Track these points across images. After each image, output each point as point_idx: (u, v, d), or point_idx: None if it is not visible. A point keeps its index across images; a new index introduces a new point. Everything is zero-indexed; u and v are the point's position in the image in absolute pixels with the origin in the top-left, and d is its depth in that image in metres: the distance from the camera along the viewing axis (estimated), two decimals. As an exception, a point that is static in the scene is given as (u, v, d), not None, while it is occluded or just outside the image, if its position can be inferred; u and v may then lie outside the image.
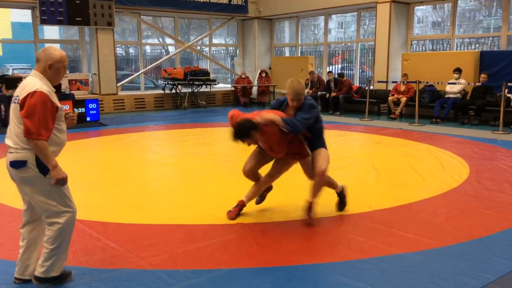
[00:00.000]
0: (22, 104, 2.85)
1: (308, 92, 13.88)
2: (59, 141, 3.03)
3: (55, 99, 2.96)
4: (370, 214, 4.49)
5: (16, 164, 2.90)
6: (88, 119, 11.02)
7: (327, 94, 13.15)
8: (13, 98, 3.01)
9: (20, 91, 2.93)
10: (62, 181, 2.94)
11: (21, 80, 3.26)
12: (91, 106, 11.10)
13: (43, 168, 2.91)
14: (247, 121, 3.95)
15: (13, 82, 11.29)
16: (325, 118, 11.71)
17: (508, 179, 5.63)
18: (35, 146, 2.85)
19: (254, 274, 3.23)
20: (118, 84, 14.02)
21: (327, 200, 4.53)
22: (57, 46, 20.74)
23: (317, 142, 4.26)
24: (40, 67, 3.01)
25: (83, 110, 10.96)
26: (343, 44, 16.46)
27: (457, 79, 10.77)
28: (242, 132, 3.95)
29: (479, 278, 3.12)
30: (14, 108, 2.95)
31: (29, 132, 2.81)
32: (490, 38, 12.48)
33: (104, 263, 3.42)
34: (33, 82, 2.94)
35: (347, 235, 3.95)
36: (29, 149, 2.88)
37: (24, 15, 13.99)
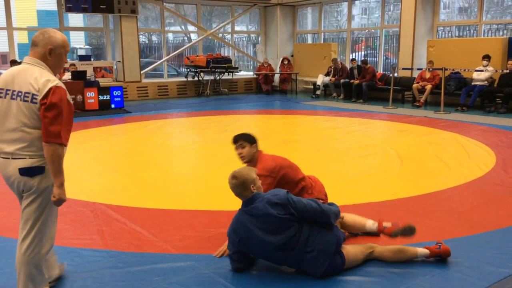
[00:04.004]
0: (45, 101, 2.42)
1: (330, 80, 13.78)
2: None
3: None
4: (393, 202, 4.47)
5: (31, 171, 2.47)
6: (112, 106, 11.17)
7: (351, 81, 13.03)
8: (8, 92, 2.50)
9: (29, 86, 2.46)
10: (61, 203, 2.54)
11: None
12: (115, 93, 11.24)
13: None
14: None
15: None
16: (348, 106, 11.72)
17: (536, 168, 5.52)
18: (54, 152, 2.43)
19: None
20: (141, 72, 14.15)
21: (350, 187, 4.52)
22: (81, 34, 20.89)
23: None
24: (38, 52, 2.53)
25: (108, 97, 11.11)
26: (366, 31, 16.23)
27: (485, 66, 10.53)
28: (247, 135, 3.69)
29: (505, 267, 3.08)
30: (20, 106, 2.46)
31: (51, 134, 2.41)
32: (519, 24, 12.14)
33: (130, 246, 3.50)
34: (45, 75, 2.50)
35: (370, 222, 3.94)
36: None
37: (50, 3, 14.23)
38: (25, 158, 2.47)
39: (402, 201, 4.49)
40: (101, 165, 6.08)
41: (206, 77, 14.74)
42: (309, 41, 16.87)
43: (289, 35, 16.73)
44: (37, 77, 2.47)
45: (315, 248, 2.89)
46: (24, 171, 2.46)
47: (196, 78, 14.76)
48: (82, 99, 11.04)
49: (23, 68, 2.54)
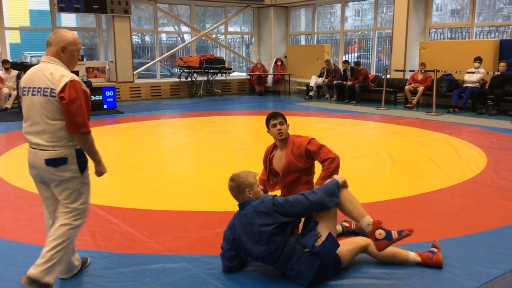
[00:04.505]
0: (63, 95, 2.65)
1: (324, 81, 13.82)
2: None
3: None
4: (385, 203, 4.50)
5: (55, 162, 2.72)
6: (105, 106, 11.13)
7: (343, 83, 13.08)
8: (30, 89, 2.75)
9: (47, 82, 2.69)
10: (102, 175, 2.94)
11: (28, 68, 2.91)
12: (108, 93, 11.21)
13: (82, 165, 2.81)
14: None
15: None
16: (340, 107, 11.76)
17: (527, 170, 5.57)
18: (84, 140, 2.74)
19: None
20: (134, 72, 14.12)
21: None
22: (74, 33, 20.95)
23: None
24: (52, 51, 2.78)
25: (100, 97, 11.07)
26: (359, 32, 16.30)
27: (477, 68, 10.61)
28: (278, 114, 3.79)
29: (495, 267, 3.11)
30: (41, 101, 2.70)
31: (77, 125, 2.67)
32: (510, 27, 12.24)
33: (122, 247, 3.49)
34: (60, 70, 2.73)
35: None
36: (69, 146, 2.74)
37: (42, 3, 14.14)
38: (49, 150, 2.72)
39: (394, 202, 4.52)
40: (93, 165, 6.05)
41: (199, 78, 14.73)
42: (303, 42, 16.91)
43: (283, 36, 16.76)
44: (52, 73, 2.70)
45: (294, 268, 2.89)
46: (49, 162, 2.71)
47: (189, 79, 14.75)
48: (75, 100, 11.00)
49: (40, 66, 2.79)
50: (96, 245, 3.54)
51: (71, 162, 2.76)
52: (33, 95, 2.73)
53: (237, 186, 3.05)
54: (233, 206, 4.33)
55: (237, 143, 7.64)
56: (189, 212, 4.27)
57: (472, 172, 5.52)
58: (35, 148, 2.76)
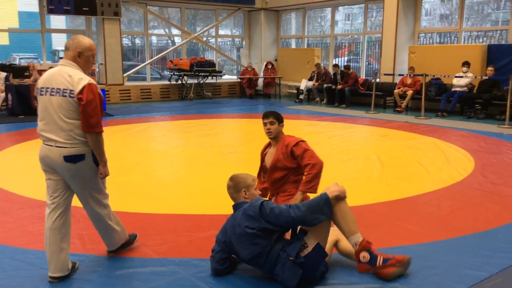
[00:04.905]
0: (81, 97, 2.86)
1: (314, 85, 13.87)
2: None
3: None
4: (373, 206, 4.52)
5: (74, 158, 2.92)
6: (94, 109, 11.06)
7: (333, 86, 13.14)
8: (48, 90, 2.93)
9: (66, 83, 2.89)
10: (105, 177, 3.14)
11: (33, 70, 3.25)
12: (97, 96, 11.14)
13: (97, 160, 3.02)
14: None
15: (20, 71, 11.34)
16: (330, 110, 11.81)
17: (513, 173, 5.63)
18: (96, 140, 2.94)
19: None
20: (124, 75, 14.07)
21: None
22: (63, 36, 20.56)
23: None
24: (70, 55, 3.00)
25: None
26: (349, 36, 16.40)
27: (465, 72, 10.72)
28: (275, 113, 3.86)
29: (482, 270, 3.14)
30: (59, 101, 2.90)
31: (91, 125, 2.89)
32: (498, 32, 12.39)
33: (111, 251, 3.47)
34: (77, 73, 2.95)
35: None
36: (85, 142, 2.94)
37: (31, 4, 14.04)
38: (67, 147, 2.91)
39: (382, 205, 4.55)
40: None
41: (190, 81, 14.72)
42: (293, 46, 16.98)
43: (273, 39, 16.81)
44: (71, 75, 2.92)
45: (279, 274, 2.88)
46: (68, 159, 2.91)
47: (179, 82, 14.72)
48: (64, 102, 10.92)
49: (59, 69, 2.99)
50: (84, 248, 3.52)
51: (88, 158, 2.98)
52: (51, 95, 2.92)
53: (234, 185, 3.10)
54: (222, 209, 4.34)
55: (227, 146, 7.64)
56: (178, 215, 4.26)
57: (460, 176, 5.57)
58: (51, 145, 2.93)
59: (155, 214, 4.30)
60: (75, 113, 2.91)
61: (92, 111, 2.88)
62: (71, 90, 2.89)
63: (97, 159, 3.02)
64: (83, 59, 3.02)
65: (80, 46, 3.00)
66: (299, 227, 3.00)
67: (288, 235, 3.11)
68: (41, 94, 2.97)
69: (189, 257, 3.36)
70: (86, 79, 2.92)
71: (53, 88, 2.92)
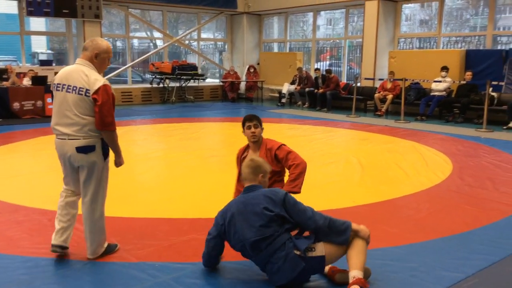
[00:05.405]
0: (96, 98, 3.07)
1: (296, 88, 13.95)
2: None
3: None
4: (353, 209, 4.57)
5: (86, 149, 3.17)
6: (74, 112, 10.93)
7: (315, 90, 13.23)
8: (65, 86, 3.14)
9: (82, 82, 3.09)
10: (120, 165, 3.43)
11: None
12: (77, 99, 11.02)
13: (106, 152, 3.28)
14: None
15: (0, 73, 11.13)
16: (312, 114, 11.88)
17: (490, 176, 5.74)
18: (111, 136, 3.20)
19: (238, 267, 3.26)
20: (105, 78, 13.92)
21: (312, 195, 4.57)
22: (43, 38, 20.36)
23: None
24: (87, 55, 3.20)
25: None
26: (331, 41, 16.53)
27: (444, 77, 10.90)
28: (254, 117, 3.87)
29: (459, 271, 3.19)
30: (74, 98, 3.12)
31: (106, 124, 3.11)
32: (476, 37, 12.62)
33: (90, 255, 3.43)
34: (93, 73, 3.15)
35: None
36: (95, 135, 3.18)
37: (10, 6, 13.82)
38: (79, 139, 3.15)
39: (362, 208, 4.59)
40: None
41: (172, 84, 14.66)
42: (275, 50, 17.04)
43: (255, 43, 16.85)
44: (87, 75, 3.13)
45: (277, 263, 2.88)
46: (80, 149, 3.16)
47: (161, 85, 14.65)
48: (43, 105, 10.80)
49: (75, 67, 3.20)
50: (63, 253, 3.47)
51: (98, 149, 3.22)
52: (67, 92, 3.14)
53: (255, 167, 3.13)
54: (203, 212, 4.34)
55: (208, 149, 7.62)
56: (158, 219, 4.24)
57: (438, 179, 5.65)
58: (65, 139, 3.18)
59: (134, 218, 4.27)
60: (89, 110, 3.13)
61: (107, 112, 3.10)
62: (87, 89, 3.10)
63: (113, 152, 3.31)
64: (99, 60, 3.22)
65: (98, 47, 3.20)
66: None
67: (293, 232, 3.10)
68: (58, 90, 3.19)
69: (169, 261, 3.34)
70: (101, 80, 3.13)
71: (70, 85, 3.13)
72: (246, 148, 4.03)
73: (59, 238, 3.31)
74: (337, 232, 2.92)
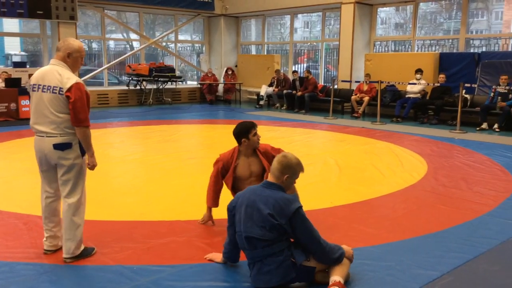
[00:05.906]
0: (69, 95, 3.17)
1: (274, 90, 14.00)
2: None
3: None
4: (331, 209, 4.61)
5: (62, 146, 3.25)
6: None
7: (293, 92, 13.30)
8: (40, 86, 3.23)
9: (56, 81, 3.19)
10: (94, 168, 3.41)
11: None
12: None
13: (82, 149, 3.32)
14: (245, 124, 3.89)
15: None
16: (290, 116, 11.94)
17: (464, 176, 5.87)
18: (84, 133, 3.25)
19: (217, 269, 3.26)
20: (81, 79, 13.72)
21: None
22: (17, 39, 19.96)
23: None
24: (60, 56, 3.31)
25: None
26: (308, 44, 16.66)
27: (418, 79, 11.09)
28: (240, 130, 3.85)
29: (434, 269, 3.26)
30: (50, 97, 3.21)
31: (80, 120, 3.20)
32: (450, 40, 12.90)
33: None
34: (66, 72, 3.25)
35: (309, 230, 4.03)
36: (72, 133, 3.26)
37: (-18, 7, 13.50)
38: (56, 136, 3.24)
39: (339, 209, 4.64)
40: (35, 176, 5.81)
41: (149, 86, 14.54)
42: (253, 52, 17.08)
43: (233, 45, 16.86)
44: (61, 74, 3.24)
45: (271, 265, 2.90)
46: (57, 146, 3.24)
47: (138, 87, 14.53)
48: (16, 108, 10.60)
49: (50, 68, 3.31)
50: (38, 257, 3.41)
51: (75, 146, 3.29)
52: (43, 91, 3.24)
53: (286, 165, 3.01)
54: (181, 215, 4.32)
55: (186, 152, 7.59)
56: (136, 222, 4.20)
57: (413, 179, 5.75)
58: (43, 136, 3.26)
59: (112, 221, 4.22)
60: (64, 108, 3.22)
61: (80, 108, 3.19)
62: (60, 88, 3.20)
63: (85, 150, 3.33)
64: (72, 59, 3.31)
65: (69, 47, 3.29)
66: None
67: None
68: (34, 90, 3.28)
69: (147, 264, 3.32)
70: (74, 79, 3.22)
71: (45, 85, 3.23)
72: (237, 154, 3.94)
73: (49, 244, 3.47)
74: (333, 255, 2.98)
